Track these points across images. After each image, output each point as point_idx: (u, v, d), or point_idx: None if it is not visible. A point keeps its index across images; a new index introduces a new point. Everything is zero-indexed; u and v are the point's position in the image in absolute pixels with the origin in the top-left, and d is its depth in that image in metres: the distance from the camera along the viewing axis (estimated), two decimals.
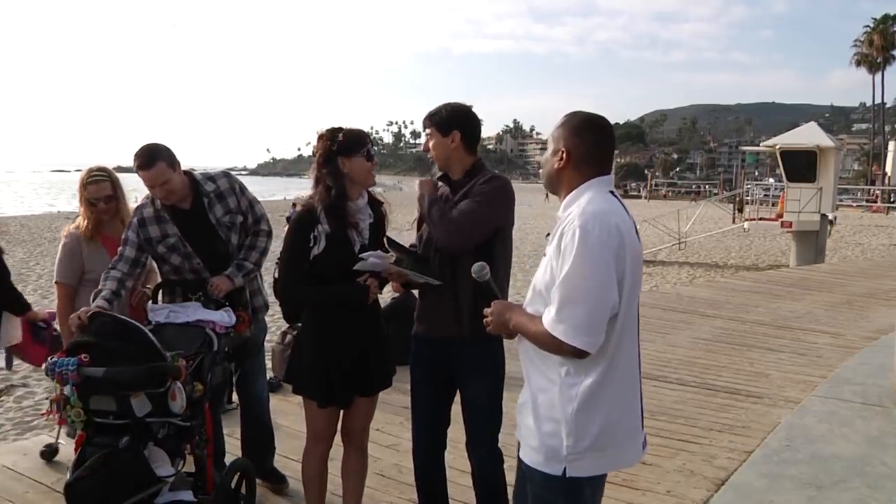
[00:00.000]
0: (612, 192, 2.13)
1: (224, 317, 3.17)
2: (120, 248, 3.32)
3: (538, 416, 2.12)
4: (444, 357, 2.96)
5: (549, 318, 2.01)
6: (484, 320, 2.26)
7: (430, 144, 2.93)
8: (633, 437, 2.16)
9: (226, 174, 3.53)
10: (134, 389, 2.62)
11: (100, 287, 3.18)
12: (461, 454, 3.09)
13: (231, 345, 3.18)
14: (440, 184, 2.96)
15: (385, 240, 3.00)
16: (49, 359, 2.65)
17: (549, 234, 2.14)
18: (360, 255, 2.87)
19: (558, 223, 2.09)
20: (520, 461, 2.23)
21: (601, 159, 2.14)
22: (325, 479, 3.19)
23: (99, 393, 2.63)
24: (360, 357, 2.99)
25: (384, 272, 2.91)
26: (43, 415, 2.83)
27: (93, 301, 3.10)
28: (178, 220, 3.33)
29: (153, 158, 3.17)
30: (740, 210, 29.87)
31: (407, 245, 3.02)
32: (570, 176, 2.13)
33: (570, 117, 2.18)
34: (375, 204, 3.07)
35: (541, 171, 2.29)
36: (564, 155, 2.13)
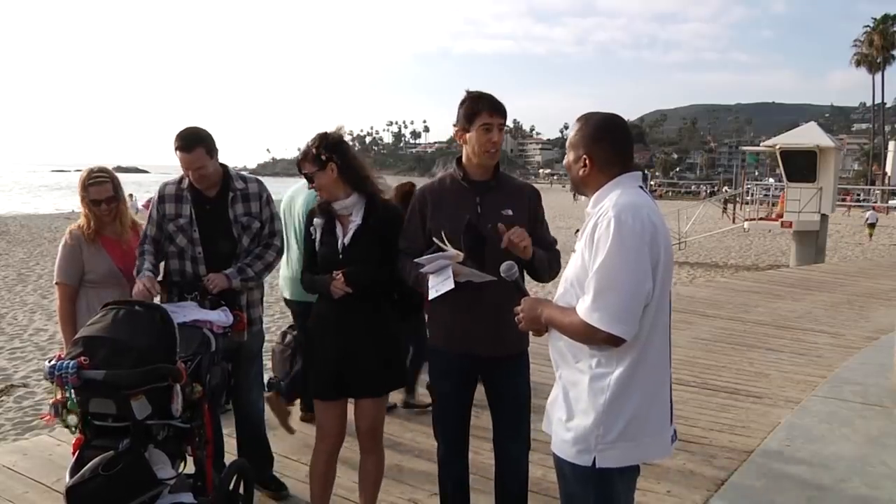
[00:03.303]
0: (640, 187, 2.16)
1: (221, 316, 3.14)
2: (145, 227, 3.47)
3: (569, 409, 2.14)
4: (485, 367, 2.95)
5: (584, 307, 2.02)
6: (515, 317, 2.26)
7: (499, 138, 2.83)
8: (663, 429, 2.17)
9: (259, 181, 3.59)
10: (134, 390, 2.58)
11: (139, 262, 3.34)
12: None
13: (227, 347, 3.16)
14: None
15: (436, 246, 2.86)
16: (48, 361, 2.61)
17: (577, 231, 2.16)
18: (425, 255, 2.77)
19: (588, 218, 2.11)
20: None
21: (622, 157, 2.17)
22: (328, 478, 3.20)
23: (98, 396, 2.59)
24: (345, 356, 3.00)
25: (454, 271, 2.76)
26: (42, 418, 2.79)
27: (137, 275, 3.25)
28: (197, 203, 3.40)
29: (193, 143, 3.27)
30: (724, 210, 29.86)
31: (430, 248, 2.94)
32: (596, 179, 2.16)
33: (585, 121, 2.19)
34: (373, 209, 3.04)
35: (568, 175, 2.29)
36: (587, 161, 2.15)
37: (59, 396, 2.61)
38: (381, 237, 3.01)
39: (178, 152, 3.30)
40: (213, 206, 3.43)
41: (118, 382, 2.56)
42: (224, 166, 3.49)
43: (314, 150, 2.98)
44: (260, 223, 3.49)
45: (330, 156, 2.97)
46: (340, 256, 3.02)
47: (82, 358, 2.57)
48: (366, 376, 3.03)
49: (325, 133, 3.04)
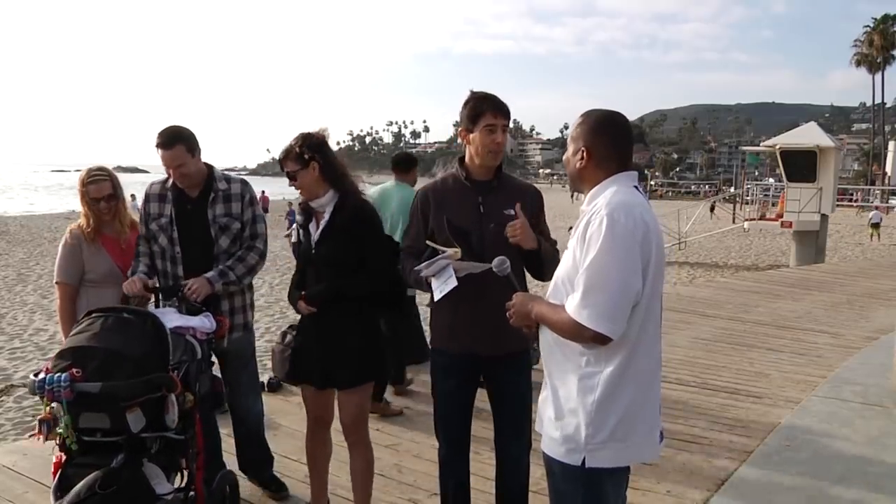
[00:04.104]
0: (635, 187, 2.15)
1: (205, 322, 3.03)
2: (140, 227, 3.51)
3: (559, 408, 2.13)
4: (486, 366, 2.95)
5: (572, 304, 2.01)
6: (507, 313, 2.26)
7: (502, 139, 2.83)
8: (653, 430, 2.16)
9: (244, 182, 3.56)
10: (130, 402, 2.46)
11: (134, 264, 3.40)
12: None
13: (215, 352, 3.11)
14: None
15: (431, 249, 2.84)
16: (36, 375, 2.47)
17: (570, 228, 2.16)
18: (423, 262, 2.77)
19: (582, 215, 2.10)
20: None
21: (621, 155, 2.17)
22: (319, 461, 3.29)
23: (91, 409, 2.44)
24: (324, 349, 3.08)
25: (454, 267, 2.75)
26: (36, 436, 2.60)
27: (131, 276, 3.30)
28: (178, 203, 3.40)
29: (173, 140, 3.28)
30: (712, 209, 29.80)
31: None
32: (592, 174, 2.16)
33: (586, 116, 2.19)
34: (341, 207, 3.07)
35: (566, 170, 2.29)
36: (585, 154, 2.15)
37: (47, 412, 2.44)
38: (352, 234, 3.04)
39: (158, 150, 3.29)
40: (195, 206, 3.41)
41: (115, 394, 2.43)
42: (209, 166, 3.48)
43: (297, 149, 3.03)
44: (241, 224, 3.45)
45: (313, 155, 3.03)
46: (313, 252, 3.11)
47: (74, 370, 2.42)
48: (342, 368, 3.08)
49: (309, 133, 3.09)
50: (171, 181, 3.42)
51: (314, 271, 3.13)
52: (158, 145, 3.29)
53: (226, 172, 3.59)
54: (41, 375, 2.45)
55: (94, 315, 2.71)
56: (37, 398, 7.15)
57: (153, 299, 3.31)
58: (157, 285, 3.38)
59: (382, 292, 3.10)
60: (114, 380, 2.45)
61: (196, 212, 3.40)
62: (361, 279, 3.03)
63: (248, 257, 3.44)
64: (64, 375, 2.39)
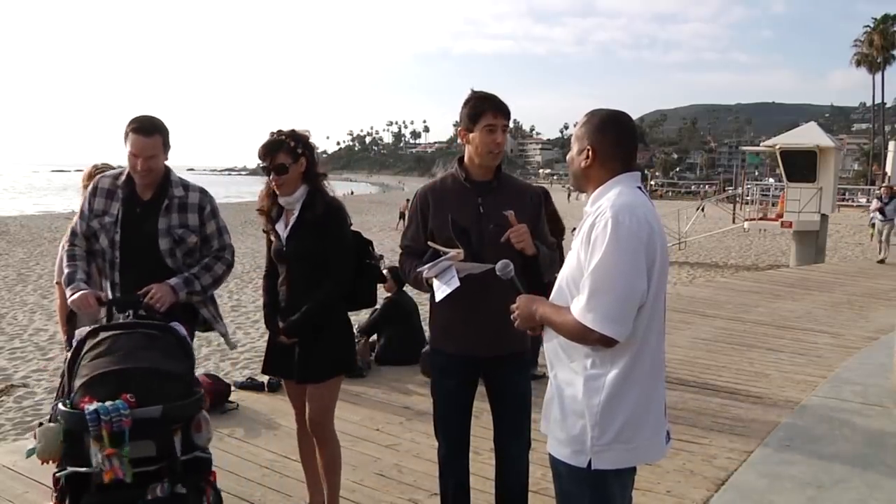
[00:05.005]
0: (639, 188, 2.15)
1: (180, 331, 2.77)
2: (73, 222, 3.21)
3: (564, 410, 2.13)
4: (486, 366, 2.96)
5: (578, 307, 2.01)
6: (511, 315, 2.27)
7: (503, 139, 2.83)
8: (658, 431, 2.16)
9: (203, 191, 3.24)
10: (179, 423, 2.27)
11: (69, 270, 3.04)
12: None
13: None
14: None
15: (433, 250, 2.82)
16: (72, 407, 2.22)
17: (574, 229, 2.15)
18: (430, 262, 2.76)
19: (586, 217, 2.10)
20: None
21: (625, 154, 2.16)
22: (310, 456, 3.39)
23: (140, 437, 2.17)
24: (294, 343, 3.15)
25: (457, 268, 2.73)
26: (105, 473, 2.21)
27: (67, 286, 2.99)
28: (127, 203, 3.10)
29: (153, 129, 3.04)
30: (701, 209, 29.90)
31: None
32: (597, 173, 2.16)
33: (591, 115, 2.20)
34: (309, 204, 3.12)
35: (568, 169, 2.29)
36: (590, 153, 2.15)
37: (109, 449, 2.16)
38: (321, 230, 3.11)
39: (133, 135, 3.00)
40: (144, 209, 3.11)
41: (175, 416, 2.23)
42: (167, 168, 3.17)
43: (291, 143, 3.08)
44: (198, 238, 3.17)
45: (304, 150, 3.11)
46: (284, 249, 3.17)
47: (127, 395, 2.17)
48: (313, 363, 3.15)
49: (293, 129, 3.15)
50: (123, 178, 3.13)
51: (286, 267, 3.19)
52: (135, 130, 3.00)
53: (184, 178, 3.25)
54: (92, 406, 2.15)
55: (109, 334, 2.48)
56: (37, 398, 7.08)
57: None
58: (110, 297, 3.04)
59: (349, 292, 3.21)
60: (170, 401, 2.25)
61: (144, 216, 3.10)
62: (328, 294, 3.11)
63: (216, 267, 3.19)
64: (120, 402, 2.14)
